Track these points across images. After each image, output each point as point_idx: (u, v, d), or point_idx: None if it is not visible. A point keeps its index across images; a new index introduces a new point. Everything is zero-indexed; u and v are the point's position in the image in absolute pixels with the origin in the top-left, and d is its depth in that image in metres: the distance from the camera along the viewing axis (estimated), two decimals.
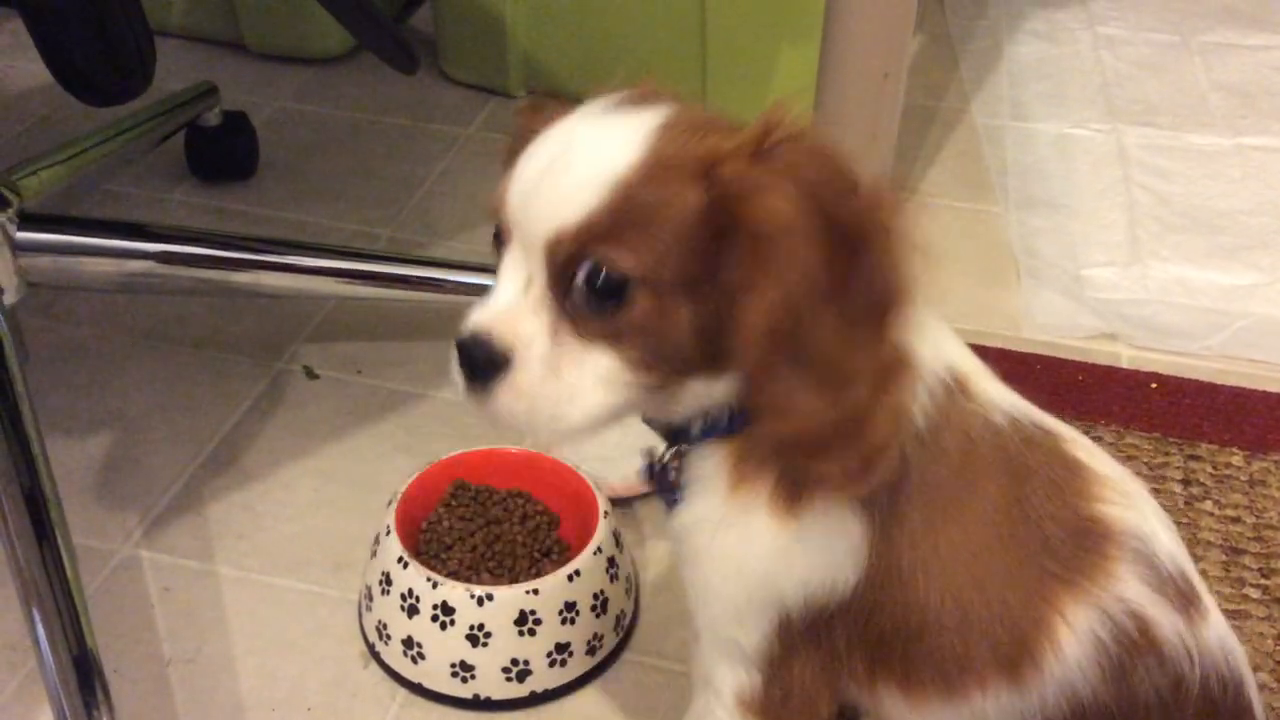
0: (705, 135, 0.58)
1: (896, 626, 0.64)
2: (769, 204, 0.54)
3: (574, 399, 0.57)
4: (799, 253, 0.54)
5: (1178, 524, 0.99)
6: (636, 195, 0.55)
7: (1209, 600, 0.66)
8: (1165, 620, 0.63)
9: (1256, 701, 0.67)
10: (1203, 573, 0.95)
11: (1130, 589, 0.63)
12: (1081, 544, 0.63)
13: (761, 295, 0.54)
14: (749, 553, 0.61)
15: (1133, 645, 0.63)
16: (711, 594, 0.64)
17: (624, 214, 0.55)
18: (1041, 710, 0.64)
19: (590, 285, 0.55)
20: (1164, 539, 0.65)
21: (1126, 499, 0.65)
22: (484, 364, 0.59)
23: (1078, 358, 1.18)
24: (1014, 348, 1.19)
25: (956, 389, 0.63)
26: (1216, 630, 0.65)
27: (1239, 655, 0.66)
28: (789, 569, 0.62)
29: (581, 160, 0.58)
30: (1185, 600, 0.64)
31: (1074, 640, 0.62)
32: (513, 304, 0.59)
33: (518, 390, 0.58)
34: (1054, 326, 1.22)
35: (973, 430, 0.63)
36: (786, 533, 0.60)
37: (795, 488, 0.60)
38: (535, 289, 0.58)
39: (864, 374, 0.56)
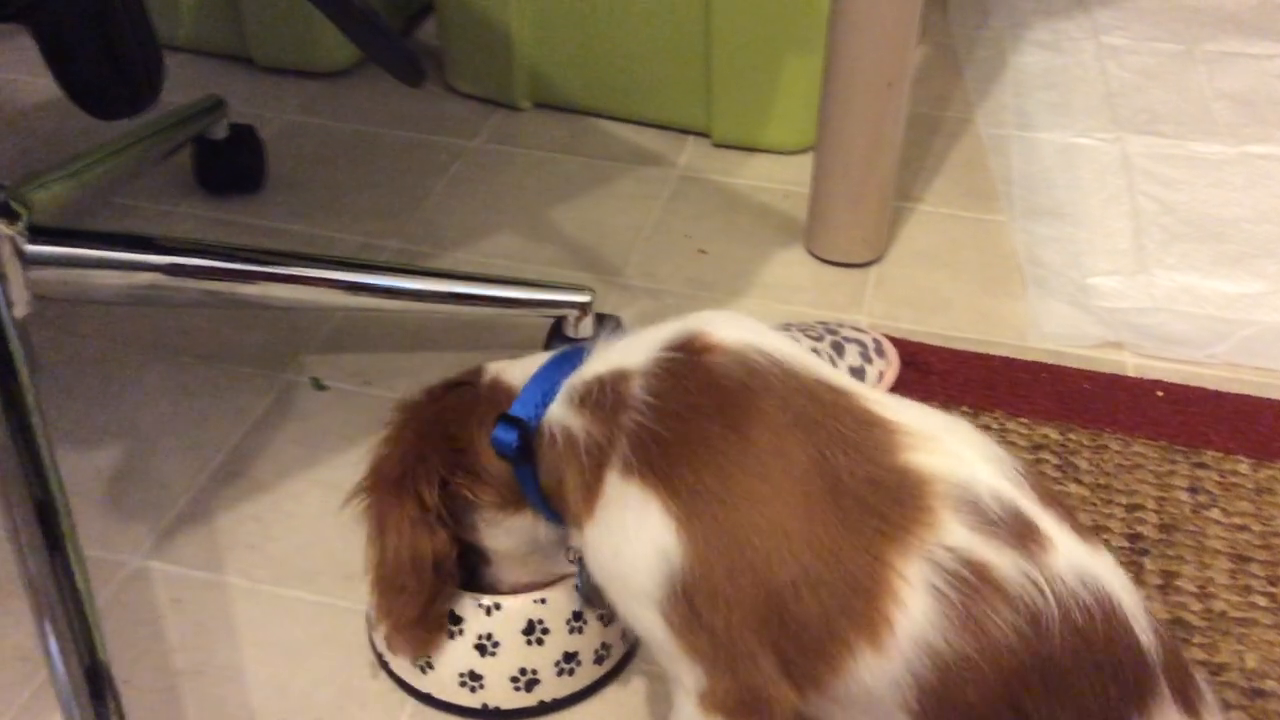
0: None
1: (763, 599, 0.65)
2: None
3: None
4: None
5: (1185, 531, 1.00)
6: None
7: (1051, 528, 0.65)
8: (1002, 560, 0.63)
9: (1138, 617, 0.65)
10: (1209, 580, 0.96)
11: (956, 535, 0.63)
12: (895, 496, 0.64)
13: None
14: (594, 560, 0.71)
15: (974, 590, 0.63)
16: (612, 601, 0.72)
17: None
18: (910, 671, 0.64)
19: None
20: (984, 478, 0.65)
21: (934, 444, 0.66)
22: None
23: (1084, 366, 1.18)
24: (1020, 356, 1.19)
25: (682, 354, 0.69)
26: (1068, 557, 0.64)
27: (1103, 575, 0.65)
28: (617, 556, 0.68)
29: None
30: (1021, 535, 0.64)
31: (914, 594, 0.63)
32: None
33: None
34: (1060, 335, 1.22)
35: (718, 375, 0.67)
36: (595, 530, 0.69)
37: (588, 492, 0.69)
38: None
39: None
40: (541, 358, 0.76)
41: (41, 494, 0.82)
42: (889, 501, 0.64)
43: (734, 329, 0.70)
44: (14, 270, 0.98)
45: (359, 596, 0.94)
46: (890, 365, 1.13)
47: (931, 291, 1.29)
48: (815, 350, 1.07)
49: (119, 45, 0.99)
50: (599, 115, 1.57)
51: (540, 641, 0.84)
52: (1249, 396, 1.15)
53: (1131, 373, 1.18)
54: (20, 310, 0.99)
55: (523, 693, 0.85)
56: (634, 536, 0.67)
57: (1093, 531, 0.65)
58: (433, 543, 0.77)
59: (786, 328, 1.10)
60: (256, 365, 1.17)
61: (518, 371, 0.76)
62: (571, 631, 0.85)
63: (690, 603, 0.66)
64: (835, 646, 0.65)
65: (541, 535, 0.78)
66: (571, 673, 0.86)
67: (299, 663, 0.90)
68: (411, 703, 0.87)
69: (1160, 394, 1.15)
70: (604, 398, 0.69)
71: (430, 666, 0.85)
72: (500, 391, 0.76)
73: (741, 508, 0.65)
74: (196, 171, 1.40)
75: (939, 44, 1.79)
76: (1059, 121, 1.58)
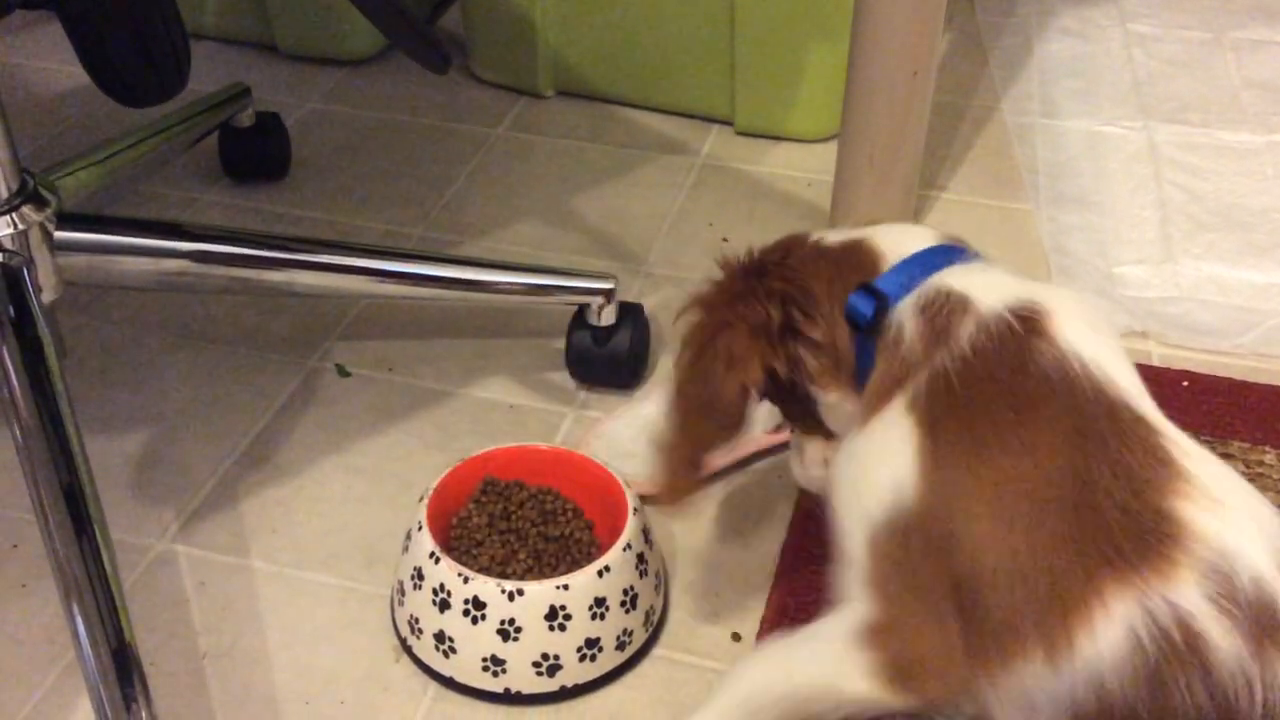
0: None
1: (965, 572, 0.65)
2: None
3: None
4: None
5: None
6: None
7: None
8: (1224, 640, 0.60)
9: None
10: None
11: (1185, 596, 0.61)
12: (1142, 534, 0.62)
13: None
14: (843, 458, 0.73)
15: (1176, 655, 0.60)
16: (833, 503, 0.73)
17: None
18: (1071, 697, 0.62)
19: None
20: (1253, 559, 0.62)
21: (1215, 506, 0.63)
22: None
23: None
24: None
25: (1019, 324, 0.69)
26: None
27: None
28: (862, 468, 0.70)
29: None
30: (1261, 630, 0.60)
31: (1109, 629, 0.61)
32: None
33: None
34: None
35: (1032, 362, 0.68)
36: (860, 437, 0.71)
37: (872, 405, 0.71)
38: None
39: None
40: (913, 236, 0.75)
41: (69, 478, 0.83)
42: (1132, 535, 0.62)
43: (1075, 328, 0.69)
44: (42, 256, 0.99)
45: (382, 581, 0.95)
46: None
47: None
48: None
49: (147, 33, 1.00)
50: (622, 103, 1.57)
51: (563, 627, 0.84)
52: (1275, 387, 1.14)
53: (1157, 362, 1.18)
54: (49, 296, 1.00)
55: (545, 678, 0.85)
56: (883, 460, 0.69)
57: None
58: (765, 361, 0.74)
59: None
60: (281, 351, 1.18)
61: (888, 241, 0.75)
62: (594, 618, 0.85)
63: (903, 540, 0.67)
64: (1012, 643, 0.64)
65: (847, 419, 0.76)
66: (593, 659, 0.86)
67: (323, 646, 0.90)
68: (434, 686, 0.88)
69: (1186, 384, 1.14)
70: (939, 322, 0.70)
71: (453, 651, 0.85)
72: (863, 255, 0.75)
73: (983, 480, 0.66)
74: (222, 159, 1.41)
75: (965, 31, 1.78)
76: (1085, 109, 1.57)
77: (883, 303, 0.72)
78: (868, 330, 0.73)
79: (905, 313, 0.72)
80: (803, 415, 0.82)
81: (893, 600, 0.68)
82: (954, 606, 0.66)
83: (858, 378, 0.75)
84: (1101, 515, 0.63)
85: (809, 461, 0.85)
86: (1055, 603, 0.62)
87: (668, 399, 0.79)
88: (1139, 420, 0.67)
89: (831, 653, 0.70)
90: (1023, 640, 0.63)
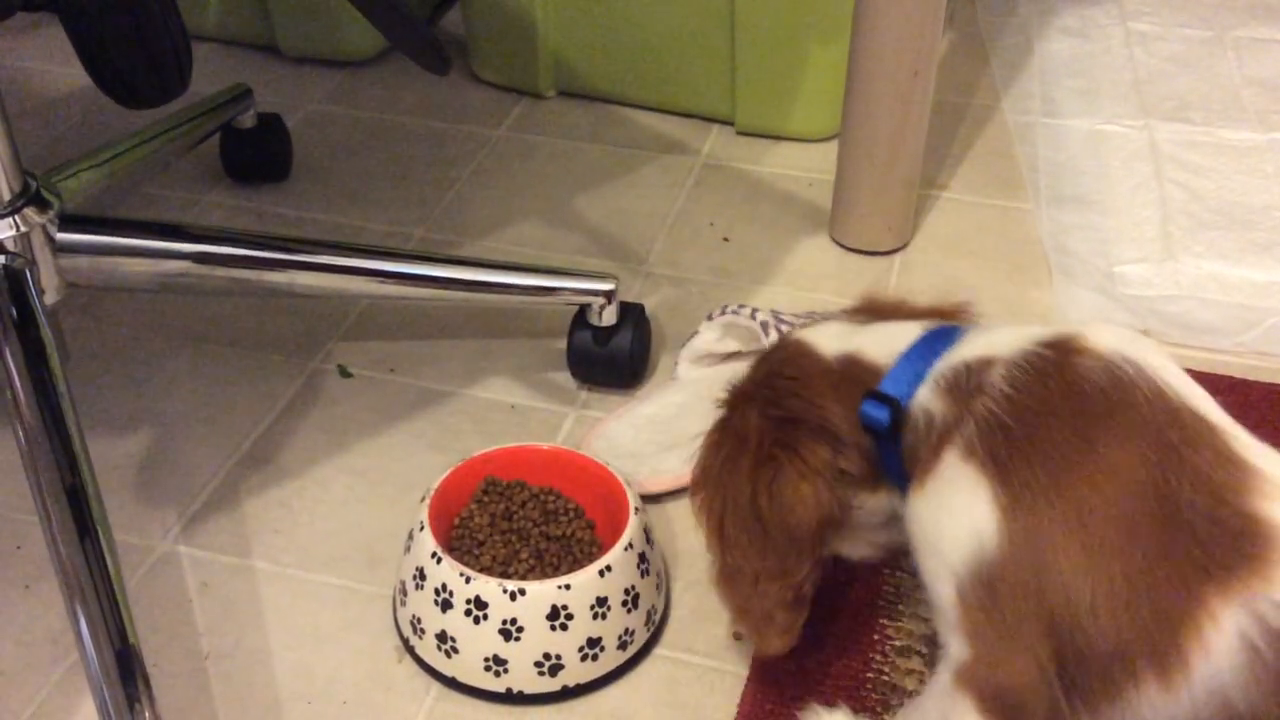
0: None
1: (1060, 608, 0.64)
2: None
3: None
4: None
5: None
6: None
7: None
8: None
9: None
10: None
11: None
12: (1234, 539, 0.61)
13: None
14: (915, 528, 0.71)
15: None
16: (919, 564, 0.73)
17: None
18: (1195, 717, 0.61)
19: None
20: None
21: None
22: None
23: None
24: None
25: (1052, 352, 0.68)
26: None
27: None
28: (938, 528, 0.69)
29: None
30: None
31: (1221, 640, 0.60)
32: None
33: None
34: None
35: (1083, 379, 0.67)
36: (922, 501, 0.70)
37: (924, 465, 0.70)
38: None
39: None
40: (903, 334, 0.75)
41: (72, 479, 0.83)
42: (1224, 542, 0.62)
43: (1112, 337, 0.69)
44: (45, 258, 0.99)
45: (384, 581, 0.95)
46: None
47: (957, 279, 1.28)
48: None
49: (148, 35, 1.00)
50: (623, 103, 1.57)
51: (564, 627, 0.84)
52: (1276, 385, 1.14)
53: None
54: (51, 298, 1.00)
55: (546, 677, 0.86)
56: (958, 515, 0.67)
57: None
58: (833, 498, 0.74)
59: (810, 316, 1.10)
60: (283, 352, 1.18)
61: (877, 347, 0.75)
62: (595, 617, 0.85)
63: (990, 588, 0.66)
64: (1120, 673, 0.63)
65: (888, 509, 0.77)
66: (595, 658, 0.86)
67: (325, 647, 0.91)
68: (436, 686, 0.88)
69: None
70: (965, 381, 0.69)
71: (455, 651, 0.86)
72: (860, 367, 0.75)
73: (1065, 513, 0.64)
74: (224, 160, 1.41)
75: (965, 31, 1.78)
76: (1086, 108, 1.57)
77: (895, 406, 0.71)
78: (888, 434, 0.72)
79: (924, 400, 0.71)
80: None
81: (985, 641, 0.67)
82: (1051, 645, 0.65)
83: (889, 475, 0.74)
84: (1190, 527, 0.62)
85: (854, 549, 0.82)
86: (1161, 624, 0.61)
87: (728, 552, 0.77)
88: (1201, 421, 0.66)
89: (941, 700, 0.70)
90: (1132, 668, 0.62)
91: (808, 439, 0.74)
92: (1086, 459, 0.65)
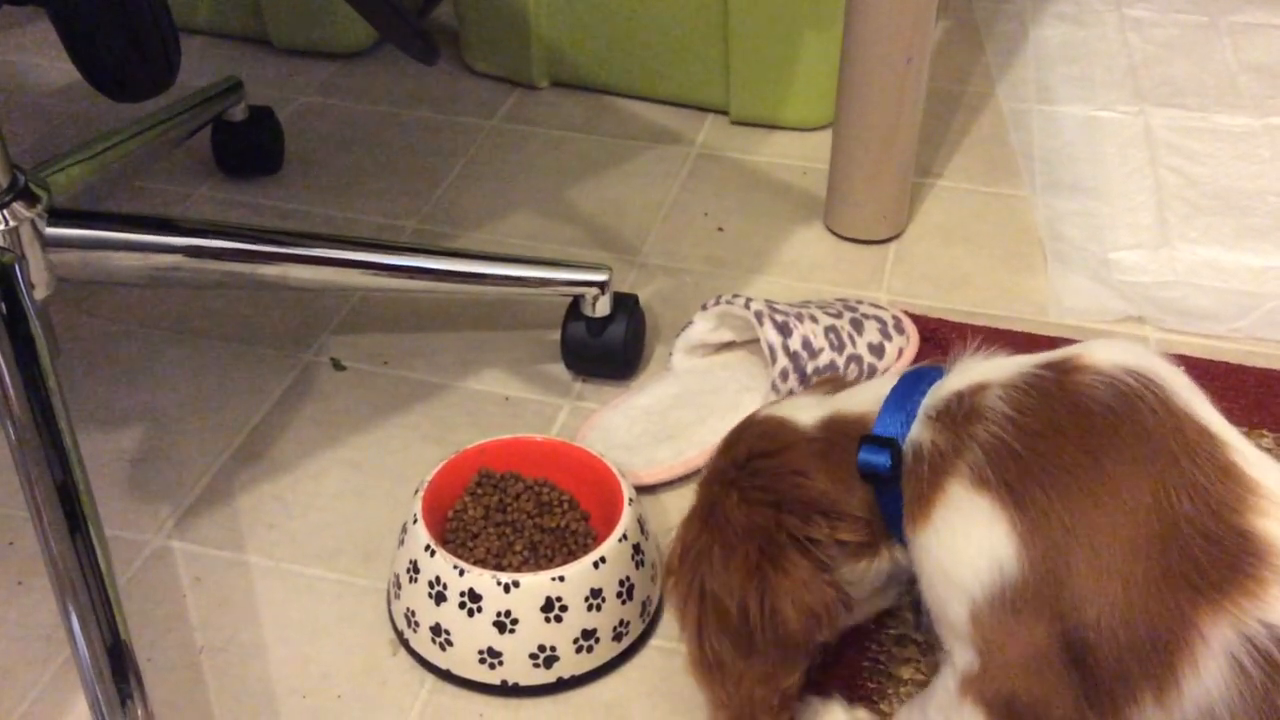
0: None
1: (1073, 630, 0.64)
2: None
3: None
4: None
5: None
6: None
7: None
8: None
9: None
10: None
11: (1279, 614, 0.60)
12: (1227, 557, 0.61)
13: None
14: (924, 562, 0.70)
15: (1278, 674, 0.59)
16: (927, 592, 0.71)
17: None
18: None
19: None
20: None
21: None
22: None
23: None
24: (1041, 332, 1.18)
25: (1051, 372, 0.68)
26: None
27: None
28: (953, 556, 0.67)
29: None
30: None
31: (1210, 660, 0.60)
32: None
33: None
34: (1081, 310, 1.21)
35: (1087, 396, 0.66)
36: (930, 534, 0.68)
37: (927, 498, 0.68)
38: None
39: None
40: (881, 385, 0.74)
41: (63, 475, 0.83)
42: (1217, 560, 0.61)
43: (1111, 351, 0.68)
44: (34, 252, 0.99)
45: (378, 575, 0.95)
46: (910, 342, 1.12)
47: (952, 267, 1.28)
48: (834, 327, 1.07)
49: (137, 28, 0.99)
50: (617, 93, 1.57)
51: (559, 619, 0.84)
52: (1272, 370, 1.14)
53: (1154, 347, 1.17)
54: (41, 292, 1.00)
55: (541, 669, 0.85)
56: (976, 544, 0.66)
57: None
58: (834, 597, 0.72)
59: (805, 305, 1.10)
60: (276, 346, 1.17)
61: (857, 401, 0.74)
62: (590, 609, 0.85)
63: (1010, 610, 0.65)
64: (1122, 691, 0.63)
65: (889, 570, 0.75)
66: (590, 650, 0.86)
67: (319, 640, 0.90)
68: (431, 679, 0.87)
69: (1182, 369, 1.13)
70: (958, 409, 0.68)
71: (450, 643, 0.85)
72: (845, 423, 0.73)
73: (1080, 536, 0.64)
74: (215, 153, 1.41)
75: (959, 18, 1.77)
76: (1081, 95, 1.57)
77: (894, 446, 0.70)
78: (890, 476, 0.70)
79: (920, 435, 0.70)
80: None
81: (998, 657, 0.66)
82: (1065, 660, 0.65)
83: (890, 525, 0.73)
84: (1186, 546, 0.62)
85: (850, 620, 0.81)
86: (1156, 644, 0.62)
87: (708, 653, 0.74)
88: (1204, 433, 0.66)
89: (946, 708, 0.69)
90: (1132, 687, 0.63)
91: (800, 526, 0.71)
92: (1095, 481, 0.64)
